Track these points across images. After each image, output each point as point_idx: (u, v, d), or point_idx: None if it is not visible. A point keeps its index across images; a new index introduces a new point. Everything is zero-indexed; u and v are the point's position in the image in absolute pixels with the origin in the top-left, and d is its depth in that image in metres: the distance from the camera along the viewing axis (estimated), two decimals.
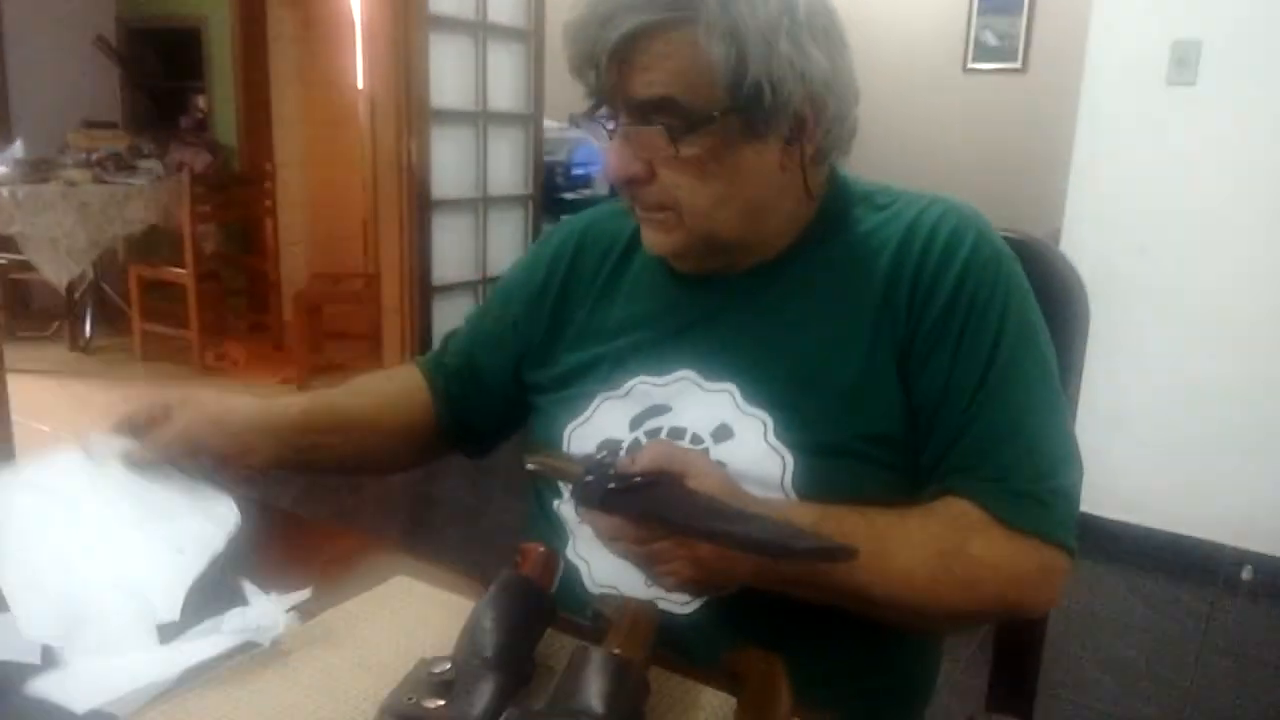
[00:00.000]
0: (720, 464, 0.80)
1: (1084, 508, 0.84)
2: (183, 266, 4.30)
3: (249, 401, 0.95)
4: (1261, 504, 2.72)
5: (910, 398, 0.83)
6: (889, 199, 0.90)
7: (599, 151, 0.87)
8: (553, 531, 0.92)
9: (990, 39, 5.35)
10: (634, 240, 0.96)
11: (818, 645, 0.80)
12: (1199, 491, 2.79)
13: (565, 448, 0.91)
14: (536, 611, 0.69)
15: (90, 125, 4.87)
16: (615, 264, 0.99)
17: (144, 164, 4.59)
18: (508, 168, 4.04)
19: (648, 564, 0.72)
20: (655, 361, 0.90)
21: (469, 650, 0.64)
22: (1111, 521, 2.77)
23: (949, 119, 5.46)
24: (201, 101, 5.26)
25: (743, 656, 0.65)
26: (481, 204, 3.94)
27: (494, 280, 4.07)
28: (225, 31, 5.00)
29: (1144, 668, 2.30)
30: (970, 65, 5.43)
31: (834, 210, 0.90)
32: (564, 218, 4.25)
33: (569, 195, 4.42)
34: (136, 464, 0.88)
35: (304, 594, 0.75)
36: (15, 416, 2.57)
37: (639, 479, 0.70)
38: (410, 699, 0.60)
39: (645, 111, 0.80)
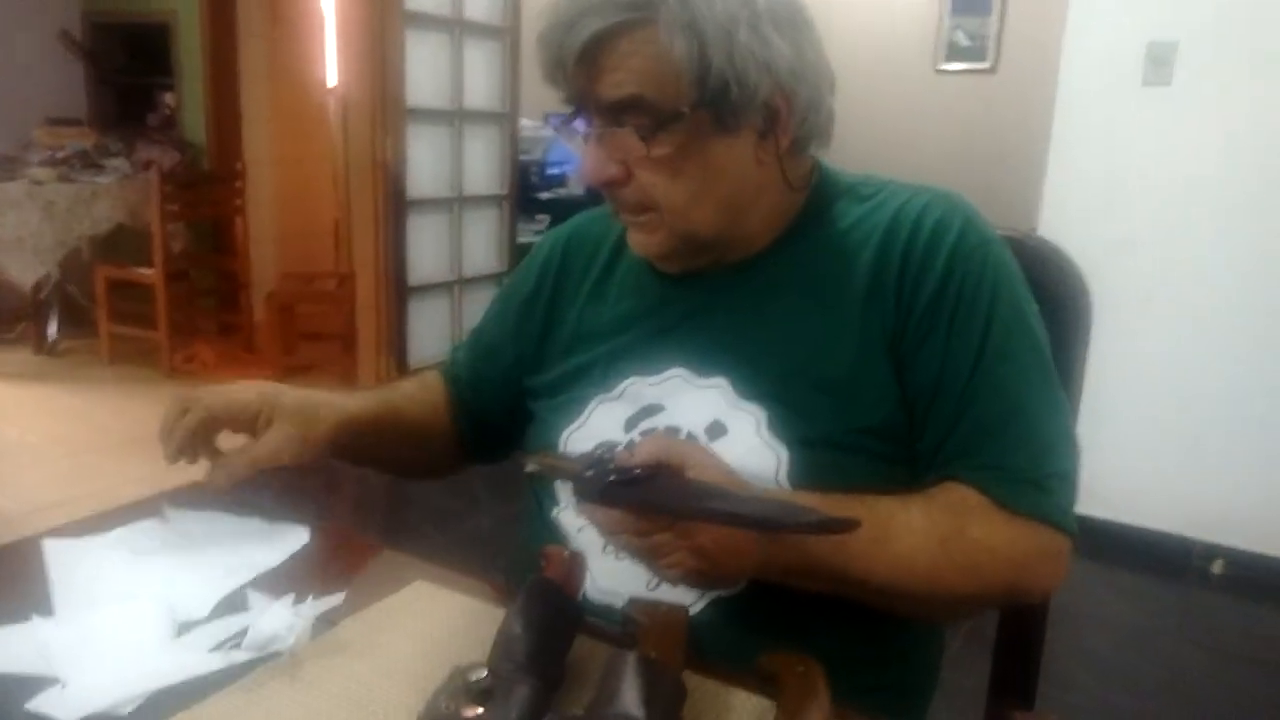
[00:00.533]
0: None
1: None
2: (150, 266, 4.23)
3: (331, 405, 0.93)
4: (1231, 499, 2.77)
5: (904, 387, 0.83)
6: (873, 189, 0.91)
7: (576, 156, 0.87)
8: (551, 539, 0.91)
9: (962, 39, 5.40)
10: (621, 241, 0.96)
11: (822, 641, 0.80)
12: (1170, 486, 2.84)
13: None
14: (565, 616, 0.69)
15: (55, 122, 4.77)
16: (603, 266, 0.99)
17: (111, 162, 4.50)
18: (483, 167, 4.02)
19: (650, 557, 0.72)
20: (647, 361, 0.90)
21: (502, 656, 0.63)
22: (1083, 516, 2.79)
23: (921, 119, 5.51)
24: (169, 98, 5.16)
25: (778, 659, 0.65)
26: (457, 203, 3.91)
27: (470, 281, 4.05)
28: (194, 27, 4.91)
29: (1119, 660, 2.34)
30: (942, 66, 5.48)
31: (820, 203, 0.91)
32: (540, 217, 4.23)
33: (544, 195, 4.40)
34: (218, 499, 0.89)
35: (336, 599, 0.74)
36: None
37: (639, 471, 0.70)
38: (448, 707, 0.59)
39: (616, 113, 0.81)
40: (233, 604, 0.76)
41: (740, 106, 0.80)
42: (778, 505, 0.72)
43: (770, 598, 0.80)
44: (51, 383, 4.17)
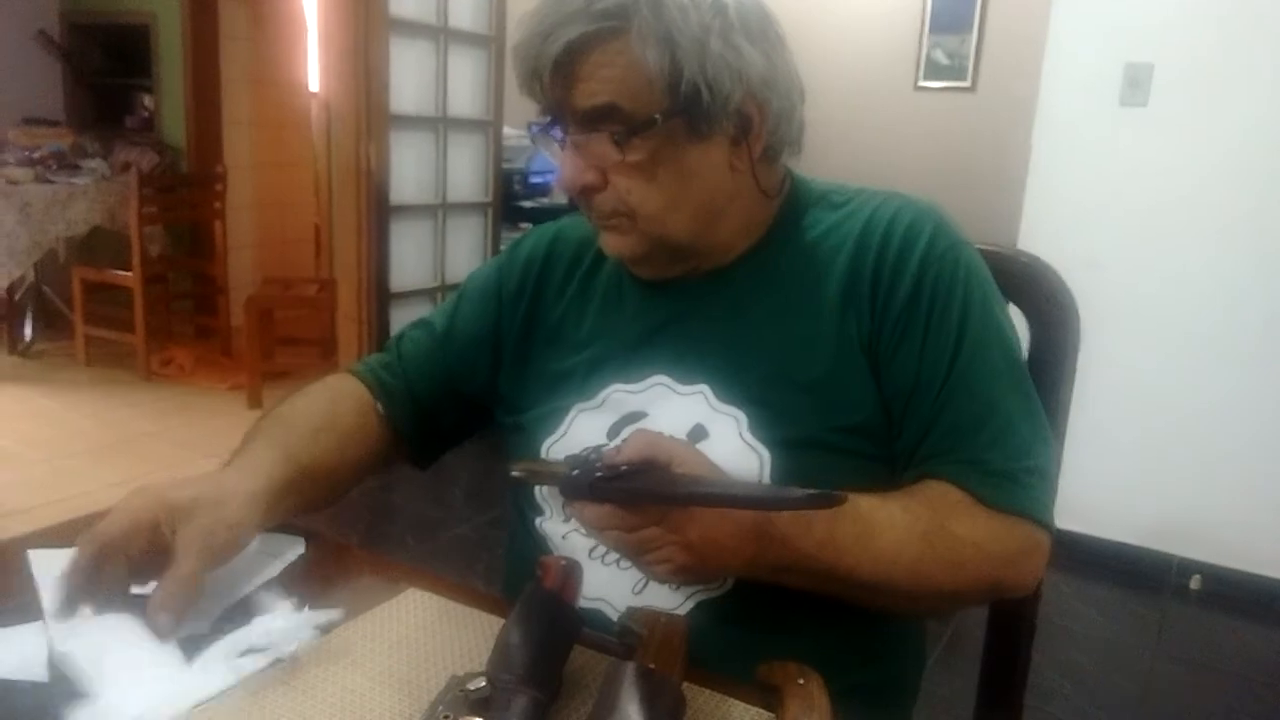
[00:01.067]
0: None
1: None
2: (127, 269, 4.19)
3: (243, 484, 0.80)
4: (1209, 514, 2.80)
5: (882, 388, 0.85)
6: (845, 197, 0.93)
7: (556, 164, 0.87)
8: (536, 550, 0.91)
9: (940, 58, 5.46)
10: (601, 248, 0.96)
11: (804, 640, 0.80)
12: (1148, 501, 2.87)
13: None
14: (563, 625, 0.68)
15: (32, 122, 4.72)
16: (585, 273, 0.99)
17: (88, 163, 4.46)
18: (467, 175, 4.01)
19: (638, 552, 0.73)
20: (628, 368, 0.90)
21: (500, 666, 0.63)
22: (1062, 530, 2.81)
23: (900, 136, 5.55)
24: (148, 100, 5.12)
25: (779, 670, 0.65)
26: (441, 210, 3.90)
27: (452, 287, 4.03)
28: (175, 29, 4.88)
29: (1098, 674, 2.36)
30: (921, 83, 5.53)
31: (793, 211, 0.93)
32: (523, 225, 4.23)
33: (527, 203, 4.39)
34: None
35: (333, 614, 0.73)
36: None
37: (625, 468, 0.70)
38: (446, 717, 0.59)
39: (591, 120, 0.82)
40: (234, 616, 0.74)
41: (713, 114, 0.81)
42: (765, 488, 0.75)
43: (752, 598, 0.81)
44: (26, 385, 4.12)
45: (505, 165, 4.20)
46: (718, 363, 0.87)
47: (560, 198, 4.39)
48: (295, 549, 0.87)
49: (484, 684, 0.61)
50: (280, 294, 4.32)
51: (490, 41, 3.94)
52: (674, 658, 0.64)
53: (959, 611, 0.93)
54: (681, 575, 0.74)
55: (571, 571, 0.72)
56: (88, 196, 4.29)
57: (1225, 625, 2.68)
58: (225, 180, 4.56)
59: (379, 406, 1.00)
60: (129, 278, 4.18)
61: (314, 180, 5.26)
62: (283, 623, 0.70)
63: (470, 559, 2.74)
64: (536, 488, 0.91)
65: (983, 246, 0.95)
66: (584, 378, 0.92)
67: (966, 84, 5.38)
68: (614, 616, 0.82)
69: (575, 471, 0.72)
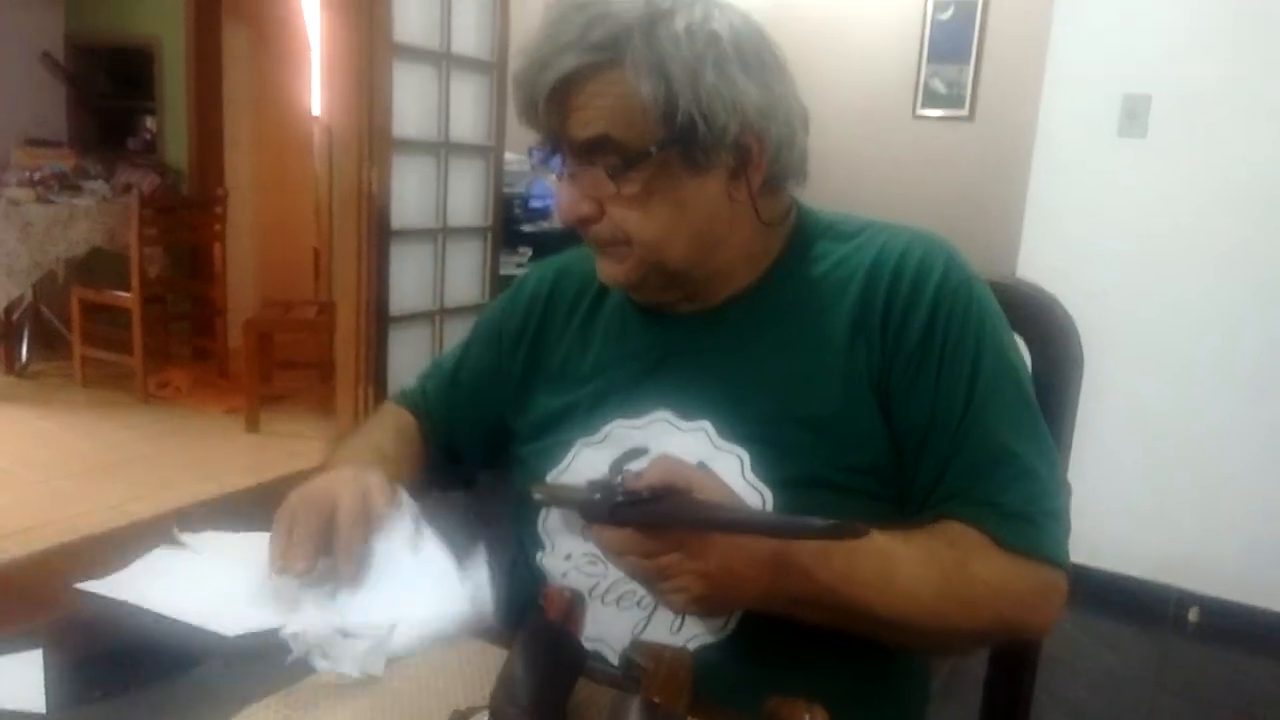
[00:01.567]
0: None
1: None
2: (126, 289, 4.19)
3: (370, 475, 0.88)
4: (1208, 546, 2.79)
5: (893, 427, 0.84)
6: (854, 229, 0.92)
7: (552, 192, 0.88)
8: (535, 585, 0.90)
9: (939, 86, 5.50)
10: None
11: (811, 677, 0.79)
12: (1147, 533, 2.86)
13: None
14: (567, 658, 0.68)
15: (35, 143, 4.74)
16: (589, 306, 0.99)
17: (90, 184, 4.47)
18: (468, 199, 4.02)
19: (656, 580, 0.71)
20: (630, 403, 0.90)
21: (504, 699, 0.62)
22: None
23: (899, 163, 5.59)
24: (150, 122, 5.14)
25: (785, 705, 0.64)
26: (441, 234, 3.91)
27: (451, 312, 4.04)
28: (179, 52, 4.91)
29: (1096, 706, 2.34)
30: (919, 111, 5.57)
31: (800, 242, 0.92)
32: (523, 249, 4.23)
33: (527, 228, 4.41)
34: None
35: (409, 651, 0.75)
36: None
37: (646, 493, 0.70)
38: None
39: (587, 151, 0.82)
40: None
41: (709, 145, 0.81)
42: (786, 516, 0.74)
43: (753, 642, 0.80)
44: (23, 405, 4.11)
45: (506, 190, 4.21)
46: (720, 398, 0.86)
47: (559, 223, 4.41)
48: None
49: (486, 717, 0.60)
50: (279, 316, 4.32)
51: (492, 67, 3.96)
52: (679, 691, 0.64)
53: (974, 651, 0.92)
54: (697, 606, 0.73)
55: (576, 603, 0.71)
56: (89, 217, 4.29)
57: (1224, 658, 2.67)
58: (226, 203, 4.57)
59: (418, 430, 1.07)
60: (128, 299, 4.18)
61: (314, 203, 5.27)
62: (365, 645, 0.72)
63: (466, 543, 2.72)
64: (541, 521, 0.91)
65: (986, 277, 0.94)
66: (587, 412, 0.92)
67: (964, 113, 5.42)
68: (613, 658, 0.81)
69: (597, 495, 0.72)
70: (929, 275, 0.85)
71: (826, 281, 0.88)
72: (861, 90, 5.56)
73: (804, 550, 0.74)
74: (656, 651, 0.68)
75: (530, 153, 0.92)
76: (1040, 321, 1.01)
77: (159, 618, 0.74)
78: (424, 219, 3.83)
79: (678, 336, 0.91)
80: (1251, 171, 2.62)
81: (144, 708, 0.71)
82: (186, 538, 0.90)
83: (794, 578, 0.74)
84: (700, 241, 0.86)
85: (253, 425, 3.86)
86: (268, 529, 0.89)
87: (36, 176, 4.35)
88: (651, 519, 0.69)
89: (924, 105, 5.54)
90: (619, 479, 0.72)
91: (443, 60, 3.74)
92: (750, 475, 0.83)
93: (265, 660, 0.73)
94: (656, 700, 0.61)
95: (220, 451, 3.63)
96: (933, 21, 5.41)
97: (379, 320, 3.67)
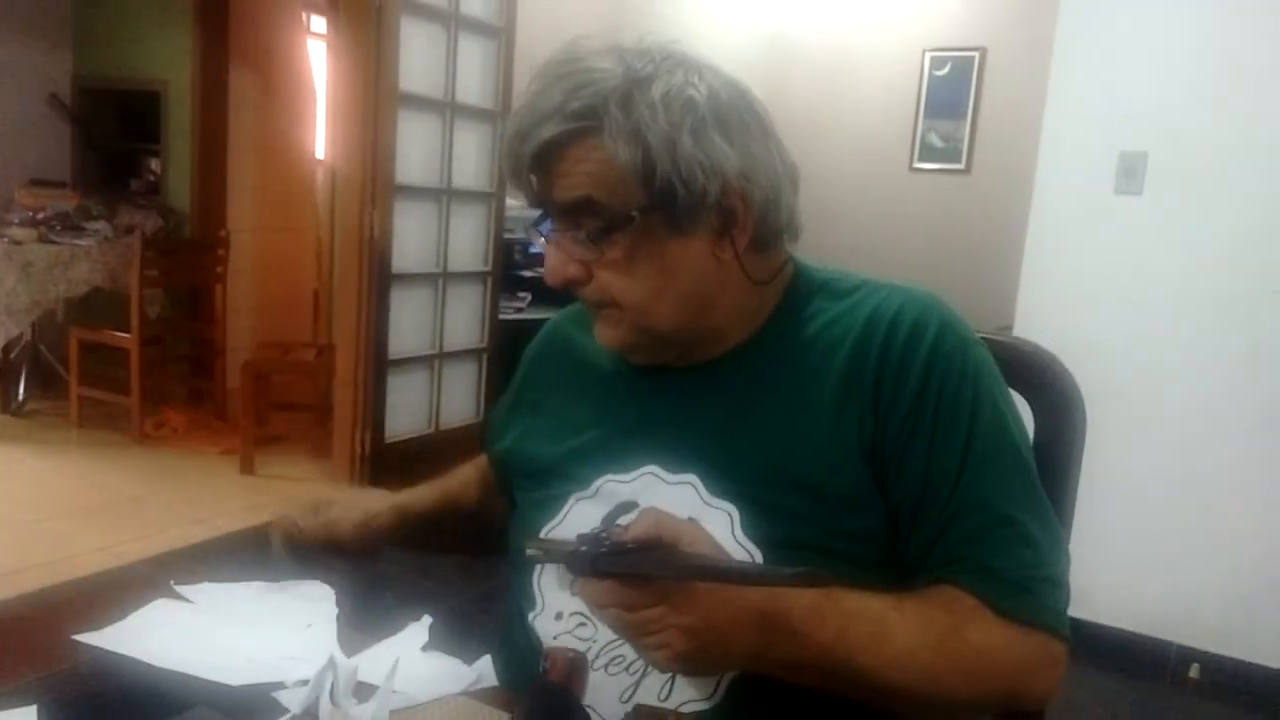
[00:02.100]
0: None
1: None
2: (124, 330, 4.19)
3: (385, 497, 1.06)
4: (1207, 602, 2.78)
5: (886, 493, 0.83)
6: (849, 287, 0.92)
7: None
8: (529, 645, 0.90)
9: (935, 140, 5.58)
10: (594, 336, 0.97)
11: None
12: (1146, 589, 2.84)
13: None
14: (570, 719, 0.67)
15: (38, 184, 4.77)
16: (580, 359, 1.00)
17: (92, 225, 4.49)
18: (469, 244, 4.05)
19: (638, 634, 0.70)
20: (620, 457, 0.90)
21: None
22: None
23: (895, 215, 5.65)
24: (154, 164, 5.19)
25: None
26: (441, 279, 3.93)
27: (450, 356, 4.05)
28: (185, 95, 4.96)
29: None
30: (916, 165, 5.65)
31: (794, 299, 0.92)
32: (522, 294, 4.24)
33: (527, 273, 4.43)
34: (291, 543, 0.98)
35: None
36: None
37: (631, 545, 0.69)
38: None
39: (571, 214, 0.83)
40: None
41: (690, 209, 0.81)
42: (757, 565, 0.76)
43: (748, 701, 0.79)
44: (17, 444, 4.08)
45: (506, 235, 4.25)
46: (709, 454, 0.86)
47: (549, 284, 4.43)
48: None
49: None
50: (277, 358, 4.32)
51: (495, 116, 4.02)
52: None
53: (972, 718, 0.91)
54: (680, 663, 0.71)
55: (578, 664, 0.71)
56: (90, 258, 4.31)
57: (1224, 715, 2.64)
58: (228, 245, 4.60)
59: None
60: (126, 339, 4.18)
61: (315, 245, 5.30)
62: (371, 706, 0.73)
63: (463, 634, 2.69)
64: (535, 577, 0.90)
65: (985, 335, 0.94)
66: (579, 466, 0.92)
67: (961, 166, 5.50)
68: None
69: (583, 548, 0.71)
70: (922, 338, 0.84)
71: (819, 341, 0.88)
72: (859, 143, 5.64)
73: (793, 611, 0.72)
74: (658, 716, 0.67)
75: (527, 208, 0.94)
76: (1043, 382, 1.01)
77: (159, 669, 0.74)
78: (425, 263, 3.85)
79: (669, 392, 0.91)
80: (1247, 229, 2.64)
81: None
82: (184, 590, 0.90)
83: (782, 639, 0.72)
84: (688, 303, 0.86)
85: (248, 467, 3.84)
86: (263, 578, 0.91)
87: (39, 217, 4.37)
88: (632, 569, 0.69)
89: (920, 159, 5.62)
90: (605, 532, 0.72)
91: (446, 109, 3.79)
92: (740, 534, 0.82)
93: (262, 714, 0.72)
94: None
95: (215, 493, 3.60)
96: (930, 77, 5.51)
97: (378, 363, 3.68)
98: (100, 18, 5.09)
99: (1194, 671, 2.77)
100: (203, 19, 4.90)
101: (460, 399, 4.11)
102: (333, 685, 0.76)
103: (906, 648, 0.75)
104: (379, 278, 3.61)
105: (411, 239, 3.76)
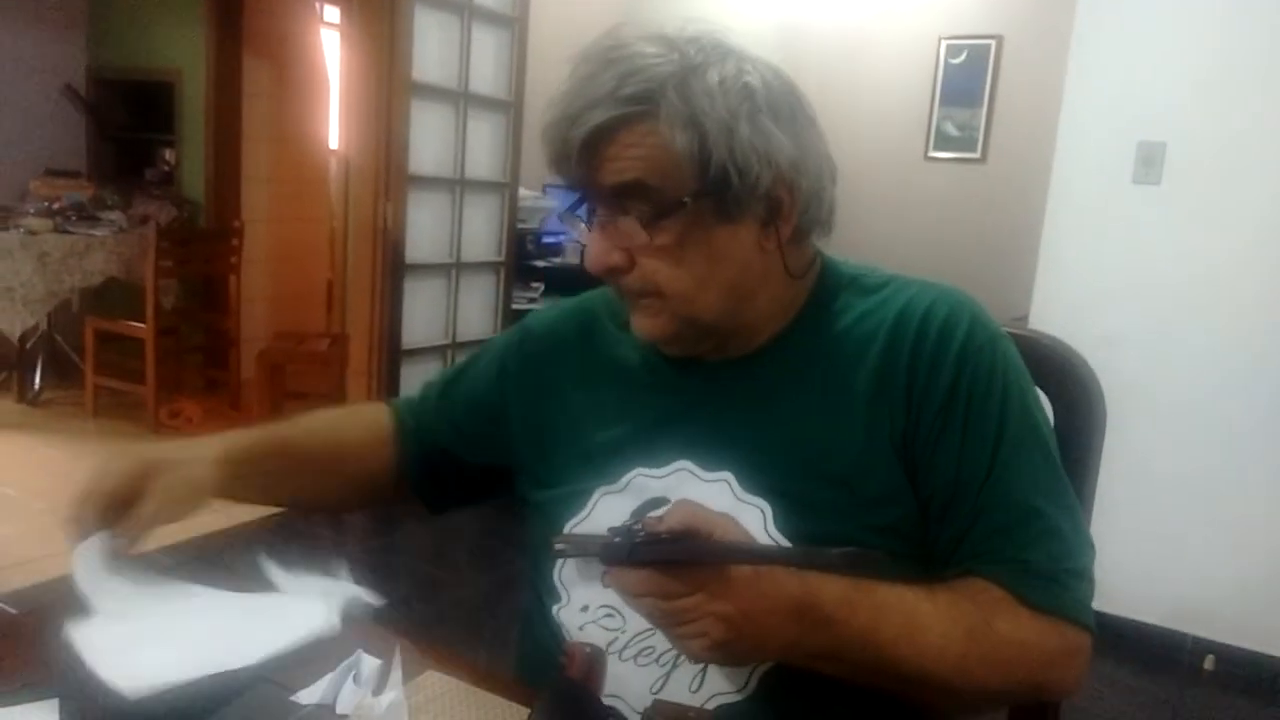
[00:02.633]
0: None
1: None
2: (139, 320, 4.20)
3: (208, 446, 0.92)
4: (1223, 594, 2.76)
5: (917, 487, 0.83)
6: (878, 283, 0.91)
7: (581, 242, 0.88)
8: (551, 637, 0.89)
9: (950, 129, 5.54)
10: (628, 325, 0.95)
11: None
12: (1162, 580, 2.83)
13: None
14: (589, 716, 0.67)
15: (53, 174, 4.78)
16: (608, 350, 0.98)
17: (107, 215, 4.50)
18: (482, 234, 4.05)
19: (675, 623, 0.70)
20: (652, 452, 0.89)
21: None
22: None
23: (910, 205, 5.61)
24: (169, 154, 5.20)
25: None
26: (454, 269, 3.93)
27: (463, 345, 4.05)
28: (199, 85, 4.97)
29: None
30: (931, 154, 5.60)
31: (823, 295, 0.92)
32: (535, 284, 4.24)
33: (540, 263, 4.44)
34: (123, 560, 0.84)
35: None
36: None
37: (667, 535, 0.69)
38: None
39: (619, 198, 0.82)
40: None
41: (742, 197, 0.81)
42: (803, 548, 0.75)
43: (773, 700, 0.79)
44: (33, 433, 4.11)
45: (519, 225, 4.25)
46: (743, 451, 0.86)
47: (573, 258, 4.44)
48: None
49: None
50: (292, 348, 4.33)
51: (509, 106, 4.01)
52: None
53: (997, 709, 0.91)
54: (717, 651, 0.71)
55: (596, 659, 0.71)
56: (105, 248, 4.32)
57: (1239, 707, 2.63)
58: (242, 235, 4.61)
59: (395, 439, 1.06)
60: (141, 329, 4.19)
61: (329, 236, 5.31)
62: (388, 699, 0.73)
63: (476, 623, 2.71)
64: (557, 571, 0.90)
65: (1006, 329, 0.93)
66: (606, 459, 0.91)
67: (976, 155, 5.46)
68: (631, 716, 0.80)
69: (617, 539, 0.71)
70: (953, 334, 0.84)
71: (850, 336, 0.88)
72: (873, 132, 5.60)
73: (828, 600, 0.73)
74: (680, 712, 0.67)
75: (545, 189, 0.92)
76: (1063, 376, 1.01)
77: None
78: (438, 254, 3.86)
79: (700, 386, 0.91)
80: (1267, 219, 2.62)
81: None
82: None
83: (818, 629, 0.73)
84: (732, 294, 0.86)
85: None
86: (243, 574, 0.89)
87: (54, 207, 4.38)
88: (672, 556, 0.68)
89: (935, 147, 5.58)
90: (639, 523, 0.72)
91: (460, 99, 3.79)
92: (774, 530, 0.82)
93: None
94: None
95: None
96: (945, 65, 5.46)
97: (391, 353, 3.69)
98: (114, 8, 5.10)
99: (1209, 663, 2.76)
100: (216, 8, 4.89)
101: None
102: (354, 677, 0.77)
103: (939, 638, 0.76)
104: (392, 268, 3.62)
105: (425, 229, 3.76)
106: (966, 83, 5.42)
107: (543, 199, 4.35)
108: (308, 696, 0.75)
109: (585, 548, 0.80)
